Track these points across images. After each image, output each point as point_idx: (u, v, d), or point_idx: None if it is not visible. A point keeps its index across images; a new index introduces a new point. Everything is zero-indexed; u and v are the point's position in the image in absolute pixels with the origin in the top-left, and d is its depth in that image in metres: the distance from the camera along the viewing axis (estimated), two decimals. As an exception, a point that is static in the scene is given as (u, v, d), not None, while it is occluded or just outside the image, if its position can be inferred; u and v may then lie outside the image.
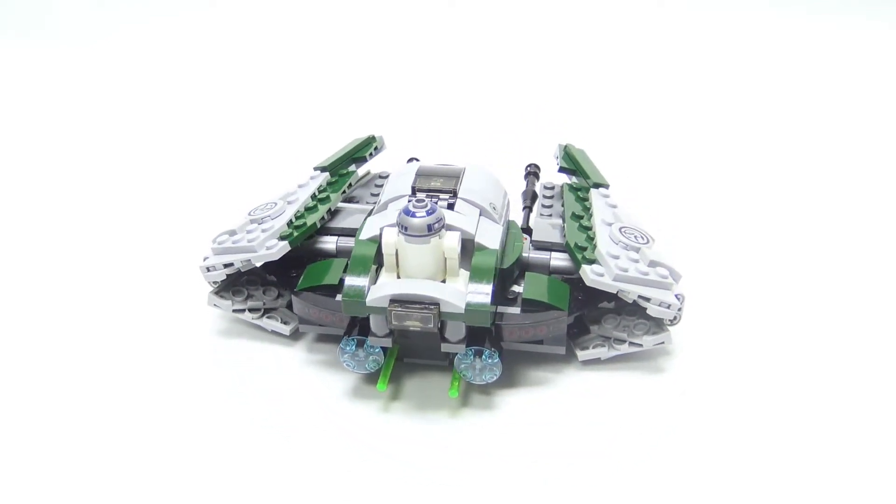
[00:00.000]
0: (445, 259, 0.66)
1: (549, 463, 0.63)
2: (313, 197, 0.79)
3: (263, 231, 0.73)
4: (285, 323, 0.75)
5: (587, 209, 0.75)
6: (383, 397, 0.69)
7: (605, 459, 0.63)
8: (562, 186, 0.83)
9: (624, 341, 0.71)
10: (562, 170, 0.85)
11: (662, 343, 0.70)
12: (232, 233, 0.75)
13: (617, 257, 0.68)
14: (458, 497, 0.60)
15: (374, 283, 0.66)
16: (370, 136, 0.91)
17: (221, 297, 0.76)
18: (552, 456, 0.63)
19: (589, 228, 0.72)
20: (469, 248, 0.67)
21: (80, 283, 0.84)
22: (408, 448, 0.64)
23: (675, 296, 0.68)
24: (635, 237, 0.71)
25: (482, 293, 0.64)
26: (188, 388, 0.70)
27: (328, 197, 0.79)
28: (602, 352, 0.71)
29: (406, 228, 0.64)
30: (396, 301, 0.63)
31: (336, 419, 0.67)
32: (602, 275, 0.67)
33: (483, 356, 0.66)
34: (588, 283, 0.67)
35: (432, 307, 0.63)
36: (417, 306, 0.63)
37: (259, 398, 0.69)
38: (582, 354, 0.71)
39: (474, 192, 0.71)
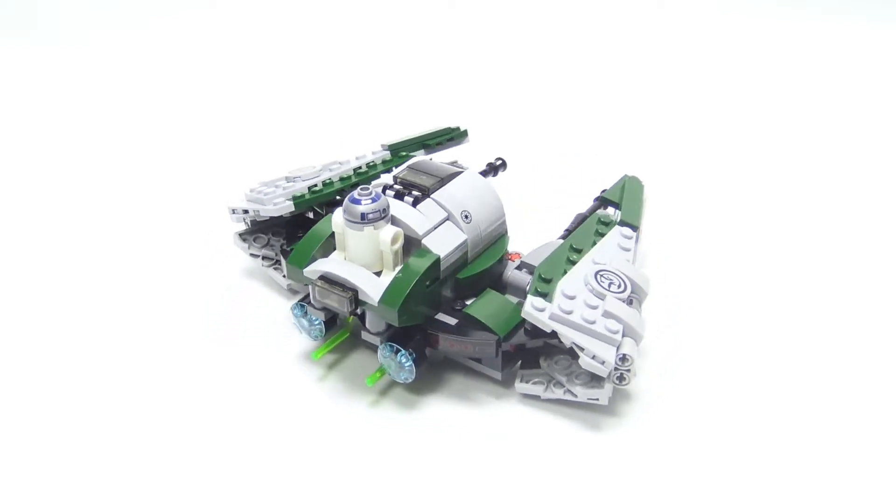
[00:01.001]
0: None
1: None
2: (356, 171, 0.83)
3: (285, 189, 0.79)
4: (284, 277, 0.78)
5: (593, 243, 0.72)
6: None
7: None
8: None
9: (562, 386, 0.67)
10: (601, 199, 0.82)
11: (597, 400, 0.65)
12: (267, 184, 0.81)
13: (571, 298, 0.65)
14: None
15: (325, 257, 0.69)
16: (454, 127, 0.94)
17: (243, 239, 0.83)
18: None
19: (574, 263, 0.69)
20: (415, 247, 0.67)
21: (78, 281, 0.85)
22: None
23: (623, 355, 0.63)
24: (609, 284, 0.67)
25: (399, 291, 0.64)
26: (181, 378, 0.72)
27: (368, 174, 0.82)
28: (539, 390, 0.67)
29: (346, 212, 0.66)
30: (323, 278, 0.66)
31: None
32: (542, 310, 0.64)
33: (398, 355, 0.66)
34: (522, 314, 0.65)
35: (349, 292, 0.65)
36: (339, 288, 0.65)
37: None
38: (519, 387, 0.68)
39: (451, 197, 0.71)
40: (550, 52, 1.43)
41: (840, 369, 0.72)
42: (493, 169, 0.93)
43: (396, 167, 0.83)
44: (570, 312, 0.64)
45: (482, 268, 0.70)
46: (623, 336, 0.64)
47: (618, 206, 0.80)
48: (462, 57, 1.41)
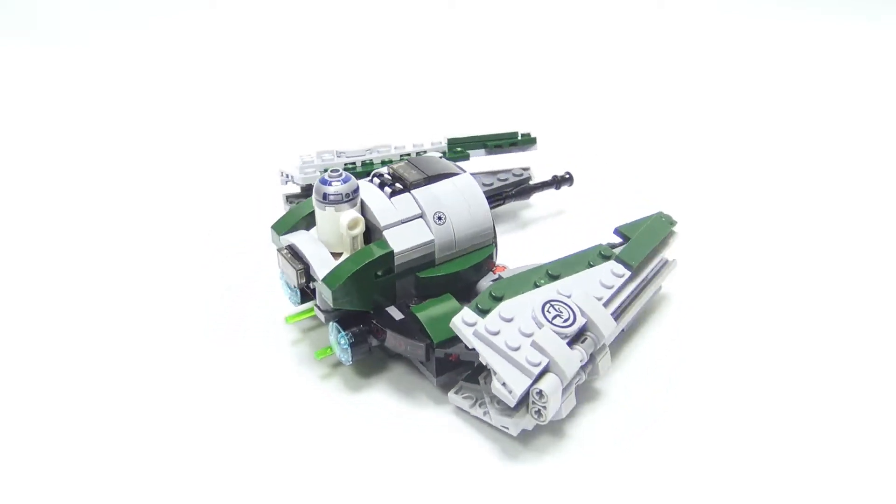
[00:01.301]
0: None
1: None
2: (402, 156, 0.87)
3: (324, 161, 0.86)
4: None
5: (576, 272, 0.70)
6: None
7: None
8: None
9: (485, 406, 0.65)
10: (616, 232, 0.78)
11: (507, 429, 0.63)
12: (318, 154, 0.87)
13: (507, 320, 0.63)
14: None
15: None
16: (524, 133, 0.94)
17: (289, 201, 0.88)
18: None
19: (538, 286, 0.67)
20: (377, 236, 0.69)
21: (78, 281, 0.85)
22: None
23: (539, 391, 0.60)
24: (555, 316, 0.64)
25: (341, 275, 0.65)
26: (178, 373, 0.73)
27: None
28: (466, 404, 0.66)
29: (315, 191, 0.68)
30: (287, 248, 0.69)
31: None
32: (472, 325, 0.63)
33: (339, 335, 0.68)
34: (450, 324, 0.64)
35: (302, 265, 0.68)
36: (296, 260, 0.68)
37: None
38: (451, 397, 0.67)
39: (430, 197, 0.71)
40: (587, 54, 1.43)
41: (848, 383, 0.71)
42: (556, 182, 0.93)
43: (450, 160, 0.84)
44: (495, 333, 0.62)
45: (446, 271, 0.69)
46: (545, 371, 0.61)
47: (627, 239, 0.75)
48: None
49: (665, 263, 0.76)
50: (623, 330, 0.72)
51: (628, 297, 0.71)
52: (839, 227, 0.93)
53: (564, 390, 0.62)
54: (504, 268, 0.73)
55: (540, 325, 0.63)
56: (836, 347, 0.74)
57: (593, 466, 0.63)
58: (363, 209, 0.69)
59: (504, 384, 0.60)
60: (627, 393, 0.69)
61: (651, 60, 1.41)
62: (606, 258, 0.71)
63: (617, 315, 0.69)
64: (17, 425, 0.67)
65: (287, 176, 0.87)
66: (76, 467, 0.63)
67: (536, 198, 0.96)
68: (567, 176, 0.93)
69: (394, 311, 0.69)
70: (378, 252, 0.66)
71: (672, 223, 0.77)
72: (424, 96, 1.29)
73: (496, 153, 0.93)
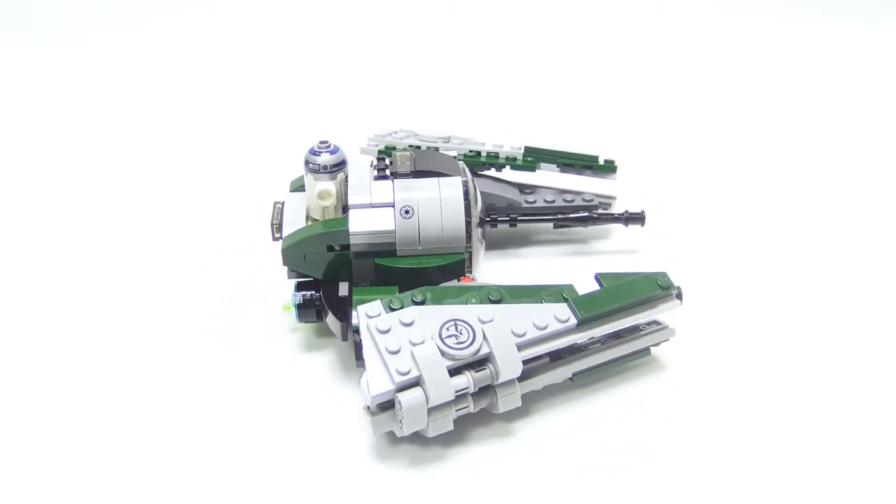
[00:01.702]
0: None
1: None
2: (469, 152, 0.86)
3: (389, 137, 0.87)
4: None
5: (518, 301, 0.66)
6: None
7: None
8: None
9: None
10: (596, 278, 0.71)
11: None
12: (391, 132, 0.89)
13: (406, 324, 0.62)
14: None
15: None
16: (609, 160, 0.88)
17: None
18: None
19: (463, 302, 0.65)
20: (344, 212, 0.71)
21: (78, 281, 0.85)
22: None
23: (400, 402, 0.59)
24: (451, 335, 0.62)
25: (295, 237, 0.70)
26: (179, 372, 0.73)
27: (477, 159, 0.85)
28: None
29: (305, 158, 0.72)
30: (280, 203, 0.75)
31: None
32: (373, 316, 0.63)
33: (293, 294, 0.71)
34: (353, 306, 0.65)
35: (277, 221, 0.73)
36: (276, 216, 0.74)
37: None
38: (362, 380, 0.63)
39: (406, 190, 0.71)
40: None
41: (841, 375, 0.72)
42: (625, 218, 0.85)
43: (517, 167, 0.87)
44: (384, 332, 0.62)
45: (405, 264, 0.70)
46: (413, 384, 0.60)
47: (601, 286, 0.69)
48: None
49: (659, 328, 0.70)
50: (571, 378, 0.68)
51: (572, 347, 0.66)
52: (840, 227, 0.93)
53: (433, 411, 0.60)
54: (473, 280, 0.72)
55: (422, 340, 0.61)
56: (841, 351, 0.74)
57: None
58: (347, 185, 0.71)
59: (366, 382, 0.60)
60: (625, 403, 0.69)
61: (661, 64, 1.41)
62: (565, 300, 0.66)
63: (532, 360, 0.65)
64: (17, 425, 0.67)
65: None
66: (76, 467, 0.63)
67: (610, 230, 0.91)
68: (639, 214, 0.85)
69: (343, 287, 0.70)
70: (329, 227, 0.70)
71: (668, 287, 0.69)
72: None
73: (568, 171, 0.88)
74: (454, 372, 0.61)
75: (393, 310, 0.64)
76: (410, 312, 0.63)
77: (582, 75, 1.35)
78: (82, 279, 0.85)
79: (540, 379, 0.66)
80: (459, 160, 0.77)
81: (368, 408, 0.61)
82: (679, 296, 0.69)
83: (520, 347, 0.63)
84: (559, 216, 0.85)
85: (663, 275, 0.69)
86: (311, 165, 0.71)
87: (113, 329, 0.78)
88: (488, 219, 0.83)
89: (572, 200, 0.87)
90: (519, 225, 0.86)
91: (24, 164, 1.10)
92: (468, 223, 0.71)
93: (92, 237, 0.92)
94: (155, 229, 0.94)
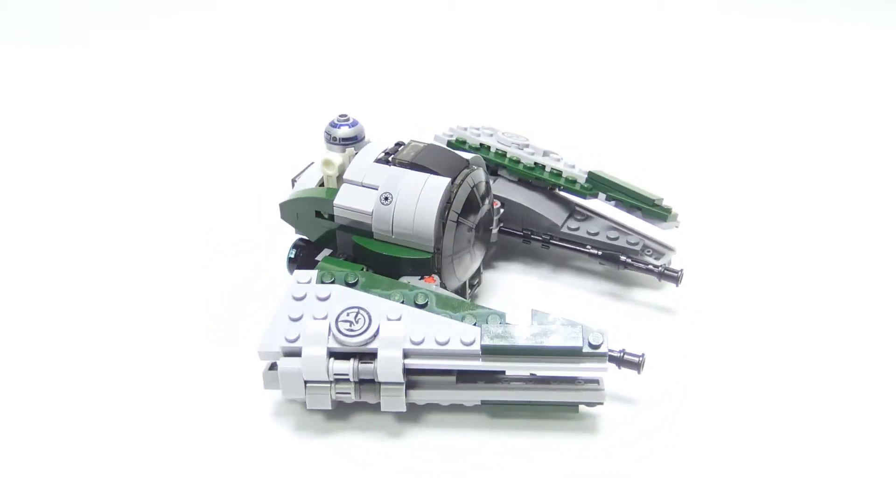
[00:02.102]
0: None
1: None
2: (535, 164, 0.84)
3: (465, 131, 0.88)
4: None
5: (438, 311, 0.65)
6: None
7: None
8: None
9: None
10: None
11: None
12: (478, 127, 0.89)
13: (322, 299, 0.65)
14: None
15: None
16: (666, 208, 0.80)
17: None
18: None
19: (391, 298, 0.66)
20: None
21: (78, 281, 0.85)
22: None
23: (259, 356, 0.64)
24: (345, 320, 0.63)
25: (294, 196, 0.76)
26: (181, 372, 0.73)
27: (536, 173, 0.83)
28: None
29: None
30: (309, 165, 0.81)
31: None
32: (302, 282, 0.67)
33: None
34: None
35: (294, 179, 0.80)
36: (299, 176, 0.80)
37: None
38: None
39: (395, 179, 0.73)
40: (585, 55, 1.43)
41: (842, 375, 0.72)
42: (660, 273, 0.79)
43: (577, 194, 0.82)
44: (299, 299, 0.66)
45: (375, 248, 0.72)
46: (296, 354, 0.63)
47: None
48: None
49: (592, 387, 0.65)
50: (480, 403, 0.66)
51: (490, 375, 0.65)
52: (840, 227, 0.93)
53: (310, 385, 0.63)
54: (434, 280, 0.71)
55: (322, 317, 0.64)
56: (841, 350, 0.74)
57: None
58: (353, 160, 0.75)
59: (262, 337, 0.64)
60: (629, 391, 0.69)
61: (661, 64, 1.41)
62: (483, 323, 0.64)
63: (430, 372, 0.64)
64: (17, 424, 0.67)
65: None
66: (75, 467, 0.63)
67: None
68: (675, 273, 0.78)
69: (323, 253, 0.76)
70: (318, 194, 0.74)
71: (599, 347, 0.62)
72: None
73: (619, 207, 0.81)
74: (343, 357, 0.63)
75: (323, 283, 0.67)
76: (329, 289, 0.66)
77: (582, 75, 1.35)
78: (82, 279, 0.85)
79: (438, 393, 0.65)
80: (422, 143, 0.77)
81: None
82: (621, 361, 0.64)
83: (408, 354, 0.63)
84: (590, 250, 0.81)
85: (598, 334, 0.63)
86: (324, 135, 0.77)
87: (113, 329, 0.78)
88: (523, 232, 0.83)
89: (616, 238, 0.81)
90: (553, 248, 0.83)
91: (25, 165, 1.10)
92: (442, 225, 0.71)
93: (92, 237, 0.92)
94: (155, 229, 0.94)
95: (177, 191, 1.02)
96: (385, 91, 1.30)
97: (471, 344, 0.62)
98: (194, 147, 1.14)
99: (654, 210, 0.80)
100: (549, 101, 1.27)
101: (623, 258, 0.80)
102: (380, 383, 0.63)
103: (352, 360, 0.63)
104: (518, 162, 0.84)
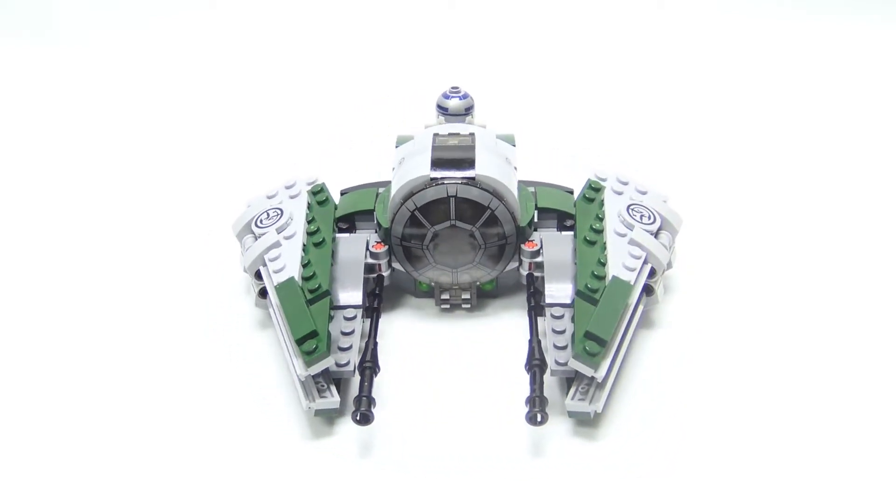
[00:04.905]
0: None
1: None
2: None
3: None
4: None
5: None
6: None
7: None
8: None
9: None
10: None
11: None
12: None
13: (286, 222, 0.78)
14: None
15: None
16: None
17: None
18: None
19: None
20: None
21: (78, 281, 0.85)
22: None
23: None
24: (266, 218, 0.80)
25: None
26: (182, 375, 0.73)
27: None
28: None
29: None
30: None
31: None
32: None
33: None
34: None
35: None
36: None
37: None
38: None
39: (418, 155, 0.76)
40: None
41: (843, 375, 0.72)
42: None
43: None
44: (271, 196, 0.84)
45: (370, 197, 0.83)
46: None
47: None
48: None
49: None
50: None
51: None
52: (840, 227, 0.93)
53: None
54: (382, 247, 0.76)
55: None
56: (841, 350, 0.74)
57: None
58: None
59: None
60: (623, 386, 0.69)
61: (660, 64, 1.41)
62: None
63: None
64: (13, 424, 0.67)
65: None
66: (75, 467, 0.63)
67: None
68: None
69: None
70: (406, 141, 0.83)
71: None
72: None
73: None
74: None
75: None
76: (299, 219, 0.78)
77: (582, 75, 1.36)
78: (82, 279, 0.85)
79: None
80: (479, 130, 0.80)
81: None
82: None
83: None
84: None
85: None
86: (437, 108, 0.85)
87: (112, 329, 0.78)
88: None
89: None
90: None
91: (24, 164, 1.10)
92: (399, 214, 0.73)
93: (91, 237, 0.93)
94: (155, 229, 0.94)
95: (177, 191, 1.02)
96: (385, 91, 1.30)
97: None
98: (194, 147, 1.14)
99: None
100: (549, 101, 1.27)
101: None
102: None
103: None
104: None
